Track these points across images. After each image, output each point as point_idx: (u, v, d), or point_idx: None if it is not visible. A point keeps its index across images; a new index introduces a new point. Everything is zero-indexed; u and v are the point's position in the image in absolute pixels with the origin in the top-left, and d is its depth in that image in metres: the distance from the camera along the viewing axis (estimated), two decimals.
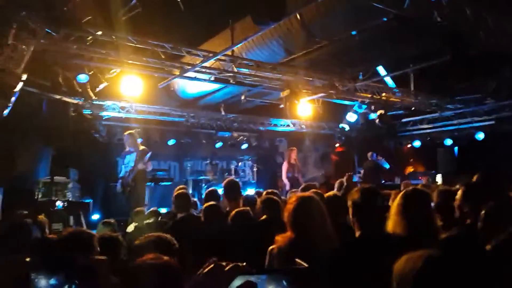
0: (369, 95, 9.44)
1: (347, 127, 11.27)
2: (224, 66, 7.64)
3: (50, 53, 6.26)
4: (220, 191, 5.66)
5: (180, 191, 4.96)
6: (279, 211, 3.67)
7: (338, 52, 7.65)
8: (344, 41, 7.06)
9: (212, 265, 0.72)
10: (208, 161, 11.67)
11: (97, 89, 7.30)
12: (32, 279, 0.86)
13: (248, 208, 4.19)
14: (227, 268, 0.71)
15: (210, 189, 5.62)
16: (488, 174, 3.50)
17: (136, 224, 4.73)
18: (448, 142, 11.60)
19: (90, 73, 6.87)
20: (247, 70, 7.80)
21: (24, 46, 5.24)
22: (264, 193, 5.13)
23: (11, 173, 7.04)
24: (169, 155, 11.43)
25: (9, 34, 5.04)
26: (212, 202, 4.48)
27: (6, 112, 5.20)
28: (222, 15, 7.62)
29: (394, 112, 11.08)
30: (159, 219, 5.02)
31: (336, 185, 6.63)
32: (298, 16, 6.20)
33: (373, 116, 10.01)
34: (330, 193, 4.43)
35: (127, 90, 7.49)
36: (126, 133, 7.92)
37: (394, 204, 2.67)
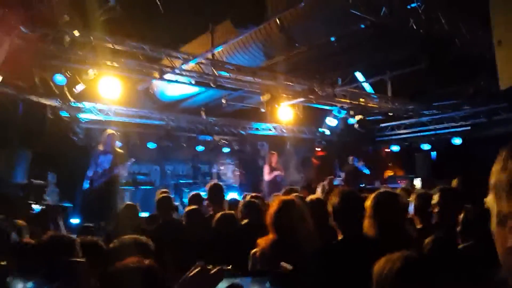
0: (348, 101, 9.57)
1: (327, 132, 11.38)
2: (205, 69, 7.62)
3: (27, 53, 6.13)
4: (203, 194, 5.64)
5: (162, 195, 4.92)
6: (260, 214, 3.68)
7: (317, 58, 7.74)
8: (323, 47, 7.16)
9: (198, 268, 0.72)
10: (189, 165, 11.60)
11: (75, 91, 7.17)
12: (8, 283, 0.84)
13: (232, 212, 4.19)
14: (212, 271, 0.71)
15: (194, 192, 5.61)
16: (466, 179, 3.59)
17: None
18: (426, 147, 11.83)
19: (68, 74, 6.74)
20: (227, 74, 7.80)
21: None
22: (248, 196, 5.14)
23: None
24: (149, 158, 11.29)
25: None
26: (193, 206, 4.47)
27: None
28: (202, 18, 7.61)
29: (373, 117, 11.25)
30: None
31: (319, 189, 6.69)
32: (278, 21, 6.24)
33: (352, 121, 10.14)
34: (313, 196, 4.46)
35: (105, 92, 7.37)
36: (108, 133, 7.67)
37: (367, 207, 2.72)
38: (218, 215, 4.03)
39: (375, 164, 12.63)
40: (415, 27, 5.74)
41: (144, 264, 1.54)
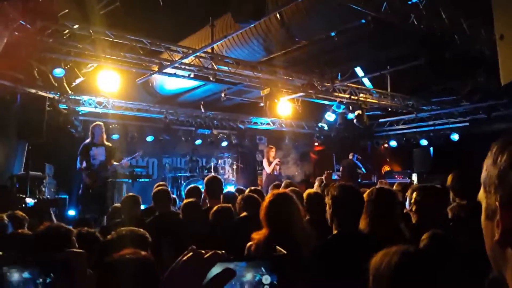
0: (347, 96, 9.56)
1: (326, 127, 11.38)
2: (204, 63, 7.60)
3: (25, 46, 6.10)
4: (201, 187, 5.64)
5: (160, 187, 4.92)
6: (259, 208, 3.69)
7: (317, 53, 7.73)
8: (323, 42, 7.14)
9: (190, 253, 0.72)
10: (187, 158, 11.60)
11: (74, 84, 7.15)
12: (4, 273, 0.84)
13: (230, 205, 4.20)
14: (206, 255, 0.71)
15: (192, 185, 5.61)
16: (462, 175, 3.59)
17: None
18: (424, 142, 11.84)
19: (67, 67, 6.73)
20: (227, 68, 7.78)
21: None
22: (247, 190, 5.14)
23: None
24: (147, 151, 11.29)
25: None
26: (191, 199, 4.47)
27: None
28: (202, 12, 7.58)
29: (371, 113, 11.25)
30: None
31: (316, 183, 6.71)
32: (278, 16, 6.22)
33: (351, 116, 10.14)
34: (311, 190, 4.47)
35: (104, 85, 7.36)
36: (97, 125, 7.54)
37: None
38: (215, 208, 4.04)
39: (373, 159, 12.66)
40: (415, 23, 5.73)
41: (141, 255, 1.55)
